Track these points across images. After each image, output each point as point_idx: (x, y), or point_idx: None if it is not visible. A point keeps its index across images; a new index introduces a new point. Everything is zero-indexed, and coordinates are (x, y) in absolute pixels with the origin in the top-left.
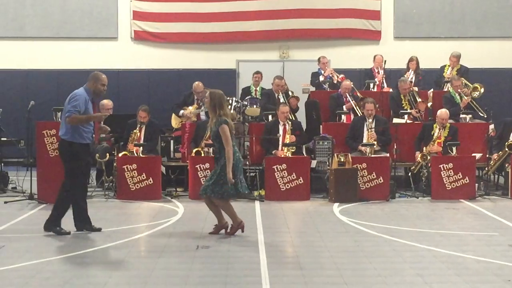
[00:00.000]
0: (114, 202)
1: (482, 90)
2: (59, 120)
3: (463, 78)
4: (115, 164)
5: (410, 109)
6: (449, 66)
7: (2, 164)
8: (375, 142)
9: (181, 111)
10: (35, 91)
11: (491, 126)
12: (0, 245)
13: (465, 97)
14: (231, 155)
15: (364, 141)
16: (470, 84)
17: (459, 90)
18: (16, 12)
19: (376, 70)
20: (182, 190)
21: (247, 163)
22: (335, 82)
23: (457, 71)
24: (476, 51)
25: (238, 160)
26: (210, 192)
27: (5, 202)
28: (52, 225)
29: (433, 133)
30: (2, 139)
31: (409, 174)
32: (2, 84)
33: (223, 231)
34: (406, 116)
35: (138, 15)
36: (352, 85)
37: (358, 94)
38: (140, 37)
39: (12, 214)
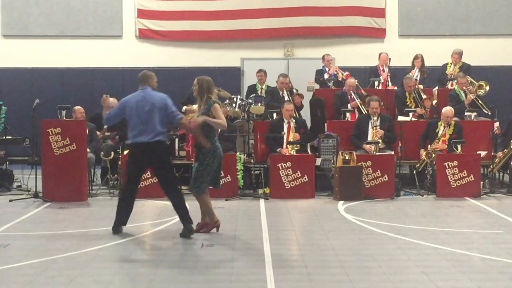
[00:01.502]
0: None
1: (488, 88)
2: (64, 118)
3: (468, 76)
4: (119, 162)
5: (415, 107)
6: (451, 63)
7: (7, 162)
8: (380, 140)
9: (184, 107)
10: (40, 89)
11: (496, 124)
12: (5, 244)
13: (470, 94)
14: (225, 123)
15: (369, 139)
16: (475, 82)
17: (464, 88)
18: (21, 10)
19: (381, 68)
20: (186, 188)
21: (252, 161)
22: (340, 79)
23: (459, 68)
24: (481, 48)
25: (219, 155)
26: (190, 188)
27: (10, 201)
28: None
29: (438, 131)
30: (7, 137)
31: (414, 172)
32: (7, 83)
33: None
34: (411, 114)
35: (142, 13)
36: (356, 83)
37: (363, 91)
38: (144, 35)
39: (17, 213)
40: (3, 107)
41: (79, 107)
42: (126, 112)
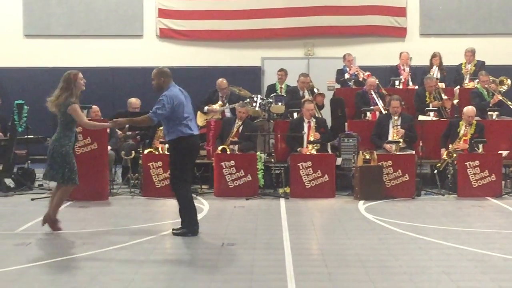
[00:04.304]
0: (139, 199)
1: (510, 82)
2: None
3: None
4: (140, 162)
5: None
6: (465, 62)
7: (29, 161)
8: (401, 140)
9: (206, 107)
10: None
11: None
12: (27, 242)
13: (496, 94)
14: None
15: (390, 138)
16: (495, 79)
17: (486, 86)
18: (42, 10)
19: (402, 68)
20: (207, 188)
21: (272, 160)
22: (361, 79)
23: (474, 66)
24: (502, 47)
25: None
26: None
27: (32, 199)
28: None
29: (459, 131)
30: (29, 136)
31: (435, 171)
32: (28, 82)
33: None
34: (431, 113)
35: (163, 13)
36: (377, 82)
37: (383, 91)
38: (165, 34)
39: (38, 211)
40: (25, 107)
41: (95, 106)
42: (175, 107)
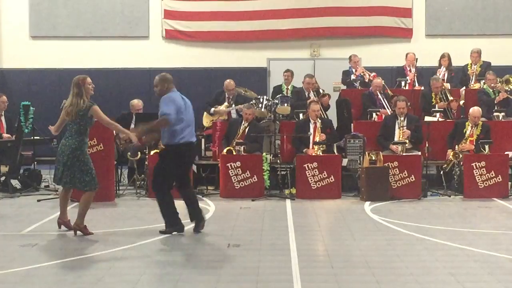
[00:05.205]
0: (145, 201)
1: None
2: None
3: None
4: (146, 163)
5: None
6: (471, 63)
7: (35, 162)
8: (407, 141)
9: (212, 109)
10: (68, 90)
11: None
12: (33, 243)
13: (501, 92)
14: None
15: (396, 139)
16: (501, 78)
17: (492, 85)
18: (49, 11)
19: (408, 68)
20: (213, 189)
21: (278, 161)
22: (367, 80)
23: (480, 67)
24: (509, 48)
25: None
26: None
27: (38, 201)
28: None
29: (465, 131)
30: (35, 137)
31: (441, 172)
32: (35, 83)
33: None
34: (438, 114)
35: (169, 14)
36: (383, 83)
37: (389, 92)
38: (171, 36)
39: (45, 213)
40: (31, 108)
41: None
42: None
